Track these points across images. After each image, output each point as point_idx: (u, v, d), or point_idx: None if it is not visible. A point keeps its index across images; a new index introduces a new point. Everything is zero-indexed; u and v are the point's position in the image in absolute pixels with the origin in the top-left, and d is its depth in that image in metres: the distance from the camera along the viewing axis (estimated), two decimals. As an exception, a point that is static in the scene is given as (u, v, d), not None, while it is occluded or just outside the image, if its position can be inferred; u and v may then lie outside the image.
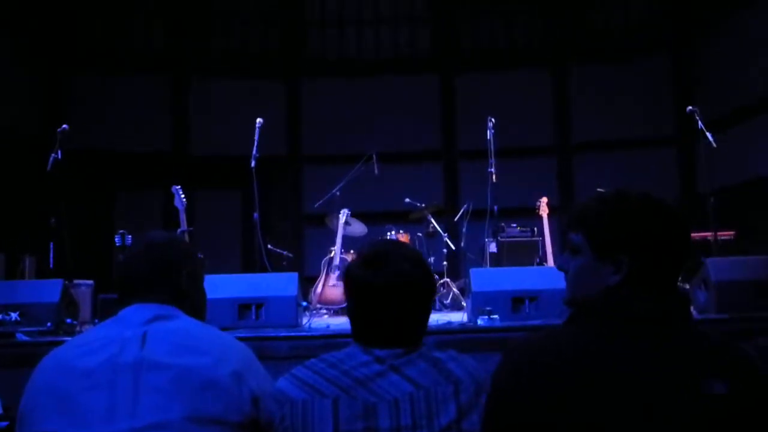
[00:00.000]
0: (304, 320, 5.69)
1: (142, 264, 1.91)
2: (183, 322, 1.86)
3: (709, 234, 6.99)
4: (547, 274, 5.84)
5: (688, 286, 5.92)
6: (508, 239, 8.05)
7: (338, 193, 8.49)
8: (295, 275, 5.54)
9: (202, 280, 2.04)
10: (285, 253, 8.78)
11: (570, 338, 1.53)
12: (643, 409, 1.40)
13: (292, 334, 4.79)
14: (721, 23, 10.07)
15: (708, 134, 6.51)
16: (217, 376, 1.72)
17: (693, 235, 7.70)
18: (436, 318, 6.11)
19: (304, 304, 5.90)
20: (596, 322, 1.53)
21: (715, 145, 6.54)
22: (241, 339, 4.72)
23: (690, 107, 6.70)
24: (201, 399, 1.68)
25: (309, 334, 4.92)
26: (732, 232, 7.58)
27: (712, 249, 6.76)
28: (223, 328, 4.71)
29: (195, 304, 1.97)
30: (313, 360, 1.77)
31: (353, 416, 1.63)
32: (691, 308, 5.31)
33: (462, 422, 1.65)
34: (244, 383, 1.75)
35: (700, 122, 6.56)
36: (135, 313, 1.84)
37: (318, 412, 1.65)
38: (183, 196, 6.51)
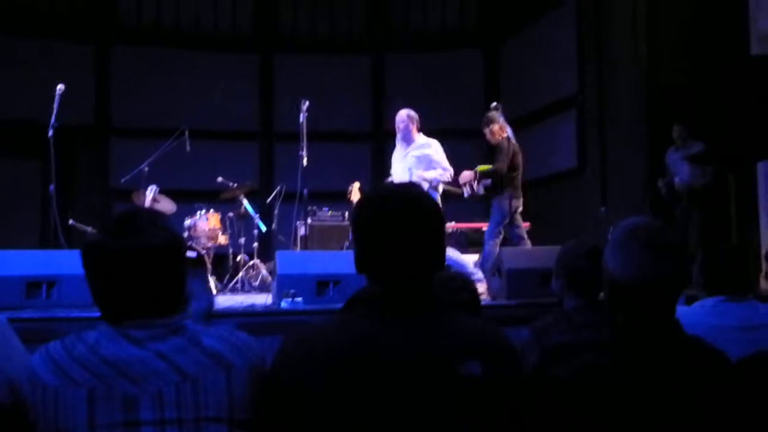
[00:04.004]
0: (102, 300, 5.43)
1: None
2: None
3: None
4: (352, 258, 5.94)
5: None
6: (318, 222, 8.13)
7: (146, 169, 8.16)
8: (92, 253, 5.26)
9: None
10: (89, 229, 8.35)
11: (338, 329, 1.60)
12: (401, 393, 1.47)
13: (85, 315, 4.54)
14: (524, 32, 10.76)
15: (509, 130, 6.88)
16: None
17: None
18: (241, 300, 6.08)
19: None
20: (358, 312, 1.61)
21: (514, 141, 6.93)
22: (28, 320, 4.41)
23: (494, 103, 7.06)
24: None
25: (103, 314, 4.70)
26: (528, 224, 8.06)
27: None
28: (9, 308, 4.43)
29: None
30: (71, 337, 1.58)
31: (111, 409, 1.48)
32: (484, 295, 5.52)
33: (234, 412, 1.55)
34: None
35: (502, 118, 6.92)
36: None
37: (71, 403, 1.48)
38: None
